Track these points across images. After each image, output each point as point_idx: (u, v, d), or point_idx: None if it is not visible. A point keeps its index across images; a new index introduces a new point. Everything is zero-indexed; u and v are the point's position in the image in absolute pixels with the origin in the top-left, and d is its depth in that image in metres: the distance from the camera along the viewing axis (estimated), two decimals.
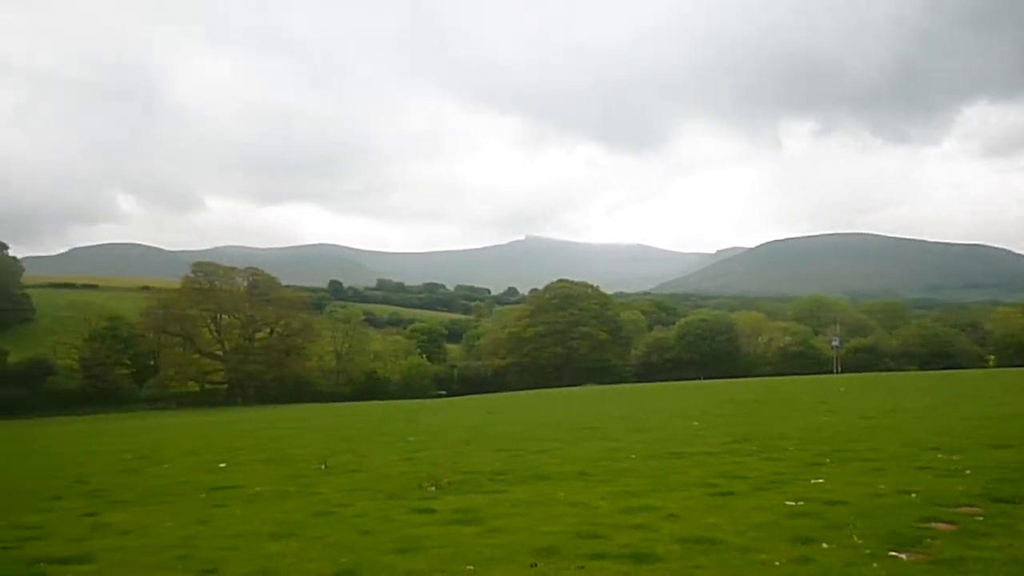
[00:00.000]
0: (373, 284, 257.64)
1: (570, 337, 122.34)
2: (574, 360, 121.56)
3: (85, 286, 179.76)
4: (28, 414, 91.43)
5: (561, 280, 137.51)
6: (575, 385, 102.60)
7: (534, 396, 69.79)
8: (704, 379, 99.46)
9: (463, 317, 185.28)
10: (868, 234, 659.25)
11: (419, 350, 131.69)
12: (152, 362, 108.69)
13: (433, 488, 13.60)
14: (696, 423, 26.12)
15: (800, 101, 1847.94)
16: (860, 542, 8.47)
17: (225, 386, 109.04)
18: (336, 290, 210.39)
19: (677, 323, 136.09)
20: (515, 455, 18.53)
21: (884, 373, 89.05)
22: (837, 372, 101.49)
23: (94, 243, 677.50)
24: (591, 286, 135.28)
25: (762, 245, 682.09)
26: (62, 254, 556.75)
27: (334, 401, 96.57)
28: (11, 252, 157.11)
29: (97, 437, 37.52)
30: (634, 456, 17.16)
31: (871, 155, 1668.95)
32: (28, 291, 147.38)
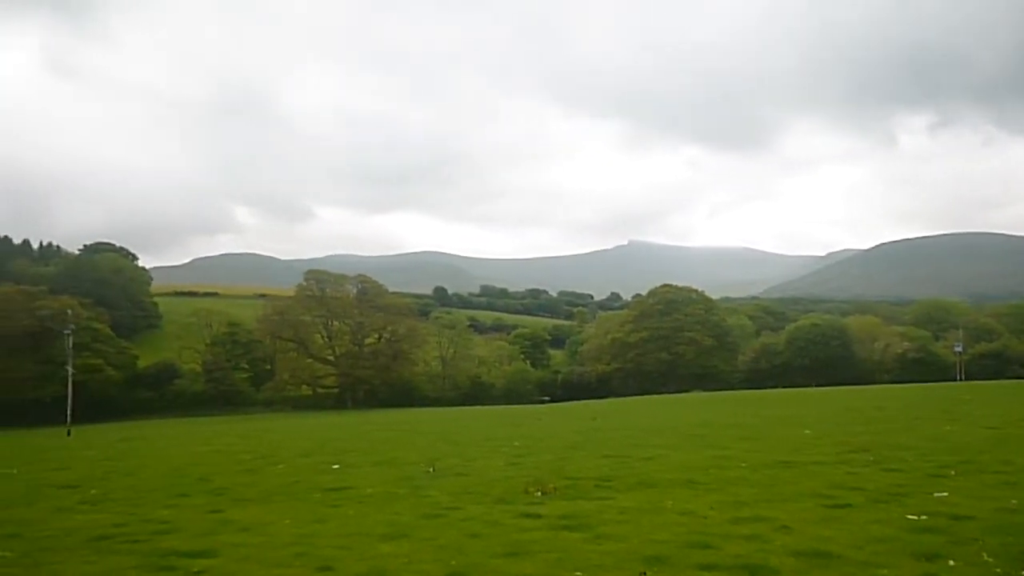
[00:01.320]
0: (477, 290, 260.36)
1: (675, 343, 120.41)
2: (679, 366, 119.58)
3: (206, 294, 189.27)
4: (156, 415, 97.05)
5: (665, 285, 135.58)
6: (681, 391, 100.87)
7: (639, 402, 69.01)
8: (815, 386, 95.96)
9: (566, 323, 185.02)
10: (991, 233, 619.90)
11: (522, 356, 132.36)
12: (268, 366, 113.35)
13: (539, 493, 13.65)
14: (808, 431, 25.23)
15: (915, 94, 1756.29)
16: (990, 560, 8.01)
17: (336, 390, 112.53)
18: (441, 296, 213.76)
19: (787, 328, 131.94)
20: (621, 461, 18.37)
21: (1012, 381, 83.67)
22: (960, 379, 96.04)
23: (214, 253, 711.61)
24: (695, 291, 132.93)
25: (877, 246, 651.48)
26: (185, 264, 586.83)
27: (440, 406, 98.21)
28: (140, 263, 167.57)
29: (218, 438, 39.38)
30: (743, 465, 16.74)
31: (994, 149, 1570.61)
32: (155, 299, 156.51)
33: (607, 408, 58.11)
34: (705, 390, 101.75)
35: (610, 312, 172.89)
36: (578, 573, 8.14)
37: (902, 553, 8.40)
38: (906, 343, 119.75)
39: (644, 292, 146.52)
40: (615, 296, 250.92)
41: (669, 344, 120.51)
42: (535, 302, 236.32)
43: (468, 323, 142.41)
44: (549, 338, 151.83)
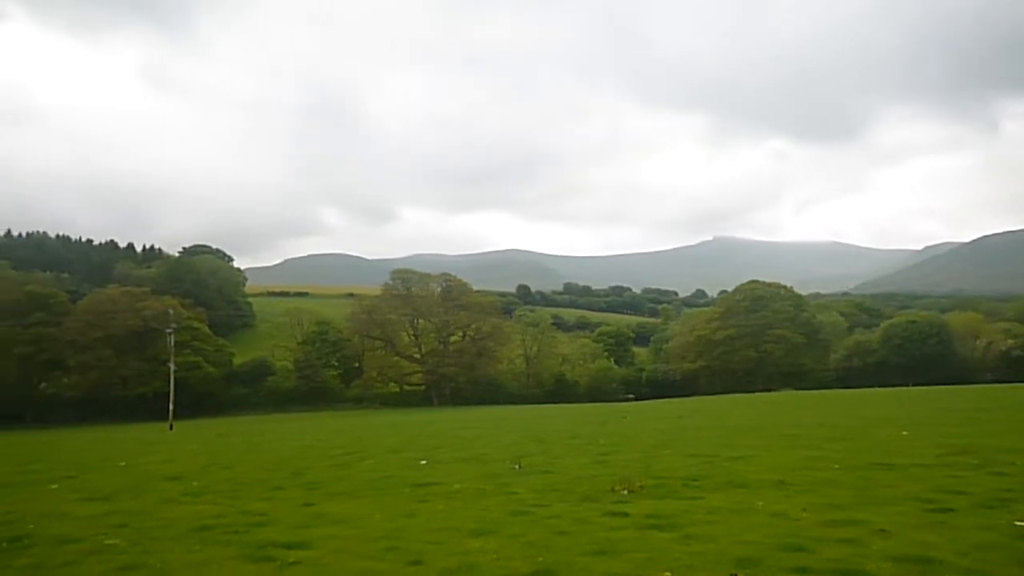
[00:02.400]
0: (560, 288, 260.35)
1: (763, 340, 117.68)
2: (767, 364, 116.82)
3: (297, 294, 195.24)
4: (251, 410, 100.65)
5: (752, 281, 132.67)
6: (769, 390, 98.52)
7: (726, 401, 67.70)
8: (912, 385, 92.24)
9: (650, 320, 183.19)
10: None
11: (606, 353, 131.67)
12: (357, 364, 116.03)
13: (626, 492, 13.56)
14: (905, 433, 24.27)
15: (1019, 78, 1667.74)
16: None
17: (423, 387, 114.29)
18: (524, 294, 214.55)
19: (881, 325, 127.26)
20: (709, 461, 18.07)
21: None
22: None
23: (304, 254, 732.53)
24: (784, 287, 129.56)
25: (978, 239, 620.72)
26: (277, 265, 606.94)
27: (524, 403, 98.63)
28: (235, 264, 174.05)
29: (310, 433, 40.54)
30: (837, 466, 16.23)
31: None
32: (250, 299, 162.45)
33: (693, 407, 57.22)
34: (794, 389, 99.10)
35: (696, 309, 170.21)
36: (667, 573, 8.07)
37: (1009, 562, 8.02)
38: (1010, 340, 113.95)
39: (730, 288, 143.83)
40: (700, 293, 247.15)
41: (757, 341, 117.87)
42: (619, 299, 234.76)
43: (552, 321, 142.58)
44: (633, 336, 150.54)
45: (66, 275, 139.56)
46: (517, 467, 18.10)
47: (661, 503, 12.34)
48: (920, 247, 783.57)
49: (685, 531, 10.03)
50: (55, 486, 18.53)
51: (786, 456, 18.65)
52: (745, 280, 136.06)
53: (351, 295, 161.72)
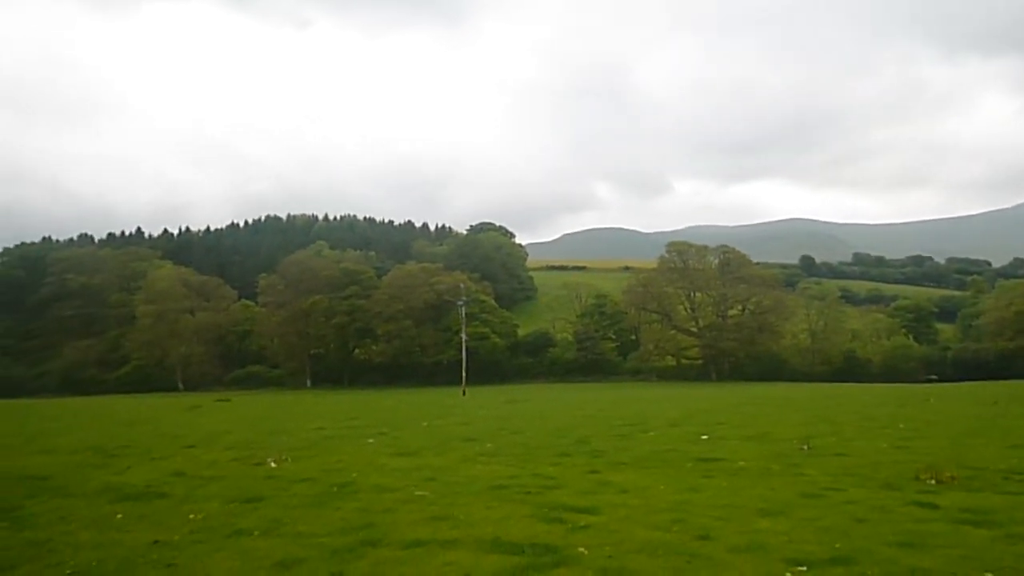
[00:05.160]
0: (848, 259, 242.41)
1: None
2: None
3: (575, 268, 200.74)
4: (534, 379, 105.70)
5: None
6: None
7: None
8: None
9: (957, 293, 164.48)
10: None
11: (904, 330, 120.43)
12: (634, 337, 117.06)
13: (933, 481, 12.42)
14: None
15: None
16: None
17: (700, 361, 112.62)
18: (808, 266, 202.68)
19: None
20: None
21: None
22: None
23: (580, 229, 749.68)
24: None
25: None
26: (554, 240, 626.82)
27: (808, 381, 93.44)
28: (516, 240, 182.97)
29: (590, 404, 41.73)
30: None
31: None
32: (531, 273, 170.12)
33: (1011, 391, 50.65)
34: None
35: (1013, 280, 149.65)
36: (988, 574, 7.30)
37: None
38: None
39: None
40: (1019, 262, 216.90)
41: None
42: (918, 270, 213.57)
43: (839, 294, 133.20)
44: (936, 310, 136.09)
45: (372, 253, 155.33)
46: (806, 448, 17.29)
47: (977, 496, 11.15)
48: None
49: (1008, 529, 8.98)
50: (371, 440, 20.89)
51: None
52: None
53: (627, 268, 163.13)
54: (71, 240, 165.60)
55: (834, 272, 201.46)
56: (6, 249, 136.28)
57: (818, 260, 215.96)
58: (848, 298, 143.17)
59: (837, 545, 8.35)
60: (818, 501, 10.98)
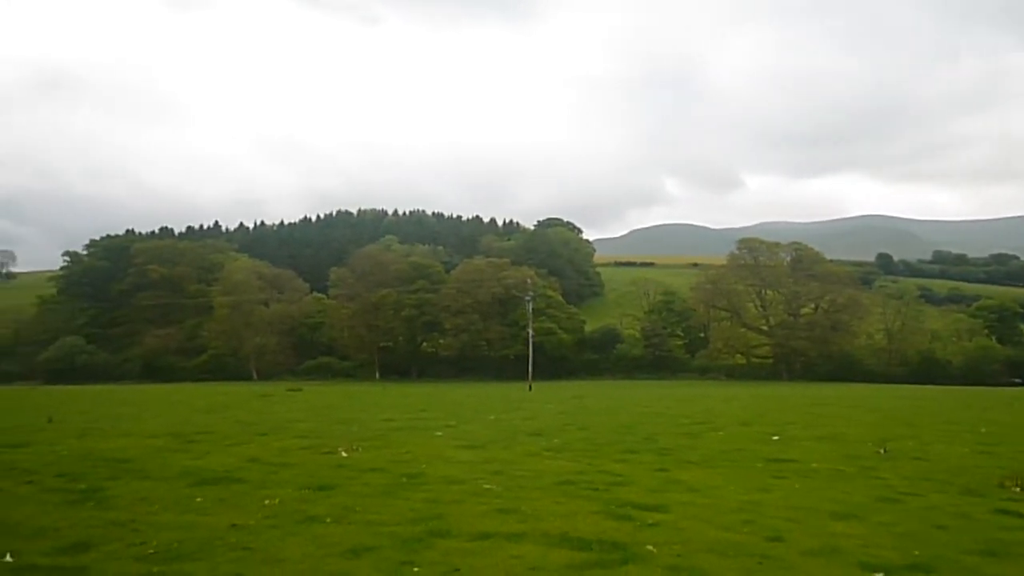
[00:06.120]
0: (928, 256, 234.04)
1: None
2: None
3: (643, 264, 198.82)
4: (600, 375, 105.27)
5: None
6: None
7: None
8: None
9: None
10: None
11: (987, 331, 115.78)
12: (702, 334, 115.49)
13: (1018, 489, 11.96)
14: None
15: None
16: None
17: (770, 360, 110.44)
18: (885, 264, 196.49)
19: None
20: None
21: None
22: None
23: (648, 225, 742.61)
24: None
25: None
26: (622, 236, 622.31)
27: (884, 382, 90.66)
28: (584, 235, 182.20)
29: (658, 401, 41.35)
30: None
31: None
32: (598, 269, 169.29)
33: None
34: None
35: None
36: None
37: None
38: None
39: None
40: None
41: None
42: (1001, 269, 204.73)
43: (918, 293, 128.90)
44: (1021, 311, 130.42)
45: (440, 247, 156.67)
46: (882, 451, 16.81)
47: None
48: None
49: None
50: (439, 433, 21.11)
51: None
52: None
53: (695, 265, 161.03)
54: (153, 233, 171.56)
55: (912, 270, 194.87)
56: (92, 241, 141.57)
57: (896, 258, 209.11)
58: (927, 297, 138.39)
59: (916, 552, 8.11)
60: (895, 506, 10.68)
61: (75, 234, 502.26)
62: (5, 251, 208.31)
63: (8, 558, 7.70)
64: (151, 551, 8.04)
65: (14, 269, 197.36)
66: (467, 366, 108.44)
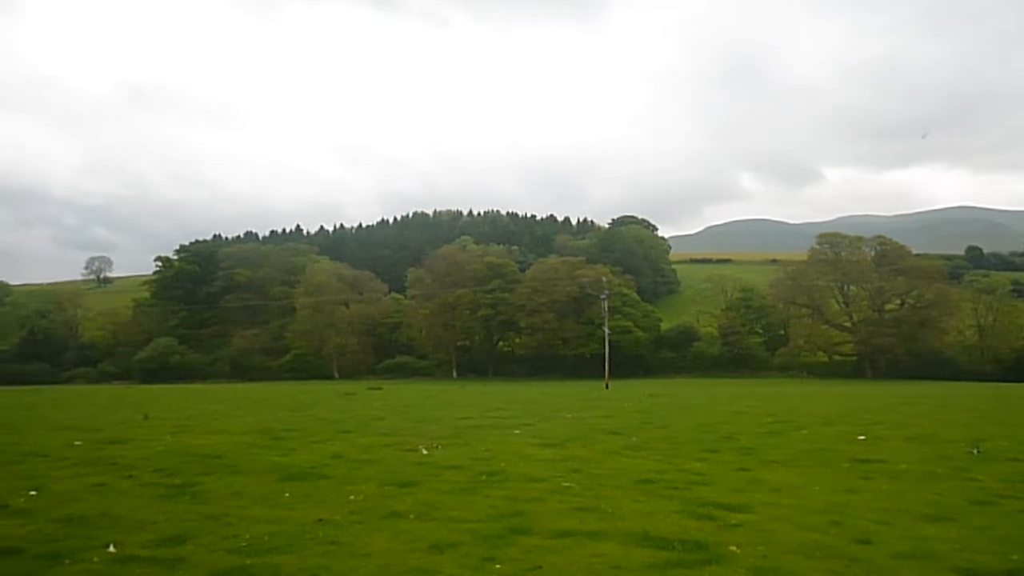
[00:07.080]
0: (1020, 248, 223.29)
1: None
2: None
3: (719, 261, 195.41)
4: (677, 374, 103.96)
5: None
6: None
7: None
8: None
9: None
10: None
11: None
12: (782, 332, 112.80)
13: None
14: None
15: None
16: None
17: (854, 358, 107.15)
18: (975, 257, 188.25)
19: None
20: None
21: None
22: None
23: (724, 221, 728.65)
24: None
25: None
26: (698, 232, 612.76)
27: (976, 380, 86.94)
28: (659, 233, 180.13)
29: (738, 399, 40.61)
30: None
31: None
32: (674, 266, 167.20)
33: None
34: None
35: None
36: None
37: None
38: None
39: None
40: None
41: None
42: None
43: (1011, 287, 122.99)
44: None
45: (515, 247, 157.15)
46: (976, 451, 16.16)
47: None
48: None
49: None
50: (517, 431, 21.25)
51: None
52: None
53: (774, 261, 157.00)
54: (238, 237, 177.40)
55: (1005, 263, 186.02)
56: (182, 246, 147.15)
57: (986, 250, 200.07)
58: (1021, 292, 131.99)
59: (1015, 557, 7.82)
60: (991, 509, 10.29)
61: (164, 239, 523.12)
62: (102, 257, 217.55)
63: (112, 548, 8.13)
64: (243, 544, 8.36)
65: (110, 274, 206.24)
66: (542, 365, 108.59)
